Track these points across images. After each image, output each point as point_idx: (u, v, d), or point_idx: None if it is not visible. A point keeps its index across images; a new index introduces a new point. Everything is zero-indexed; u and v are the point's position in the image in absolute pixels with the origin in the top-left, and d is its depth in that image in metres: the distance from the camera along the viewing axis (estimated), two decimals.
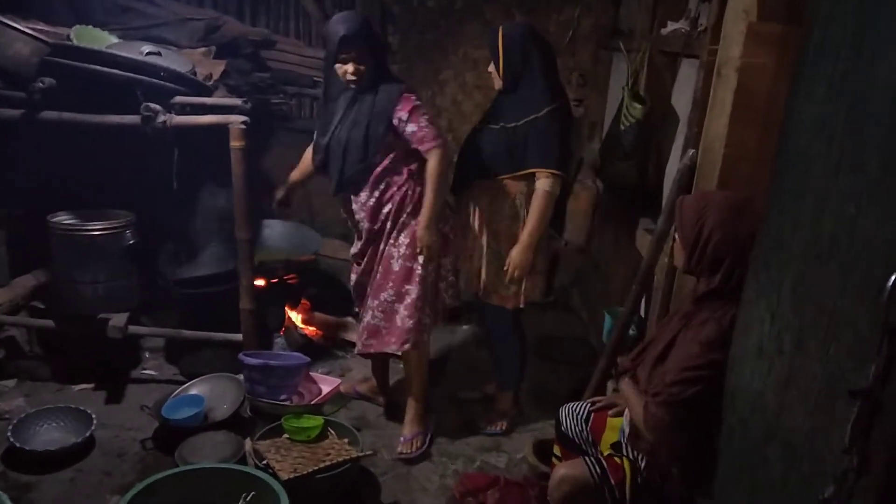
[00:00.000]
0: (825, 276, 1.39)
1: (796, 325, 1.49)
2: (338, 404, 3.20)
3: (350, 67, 2.66)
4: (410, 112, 2.66)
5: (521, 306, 2.98)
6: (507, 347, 3.11)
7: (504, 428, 3.14)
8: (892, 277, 1.12)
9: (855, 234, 1.31)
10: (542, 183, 2.76)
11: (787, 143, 1.63)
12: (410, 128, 2.66)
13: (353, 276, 3.06)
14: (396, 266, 2.81)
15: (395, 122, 2.67)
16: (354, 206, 2.88)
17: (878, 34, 1.31)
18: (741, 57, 2.33)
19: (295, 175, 3.23)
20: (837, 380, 1.31)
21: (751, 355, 1.69)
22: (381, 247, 2.85)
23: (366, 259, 2.94)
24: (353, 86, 2.72)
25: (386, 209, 2.79)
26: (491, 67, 2.88)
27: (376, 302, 2.86)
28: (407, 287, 2.81)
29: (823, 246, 1.40)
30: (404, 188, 2.77)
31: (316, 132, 2.95)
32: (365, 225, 2.85)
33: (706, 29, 2.67)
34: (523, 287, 2.92)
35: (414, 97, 2.70)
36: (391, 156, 2.74)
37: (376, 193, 2.78)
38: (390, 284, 2.82)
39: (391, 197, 2.78)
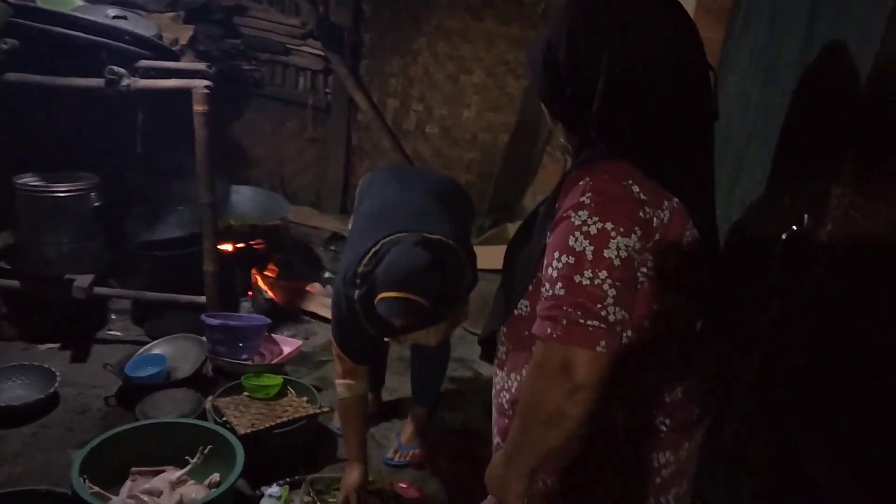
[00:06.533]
0: (733, 241, 1.48)
1: None
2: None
3: None
4: None
5: None
6: (434, 367, 2.87)
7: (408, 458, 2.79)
8: (783, 236, 1.20)
9: (760, 197, 1.40)
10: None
11: None
12: None
13: None
14: None
15: None
16: None
17: (787, 10, 1.38)
18: None
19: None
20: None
21: None
22: None
23: None
24: None
25: None
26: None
27: None
28: None
29: (735, 208, 1.49)
30: None
31: None
32: None
33: None
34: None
35: None
36: None
37: None
38: None
39: None
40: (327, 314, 3.86)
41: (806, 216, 1.17)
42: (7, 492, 2.17)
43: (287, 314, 3.85)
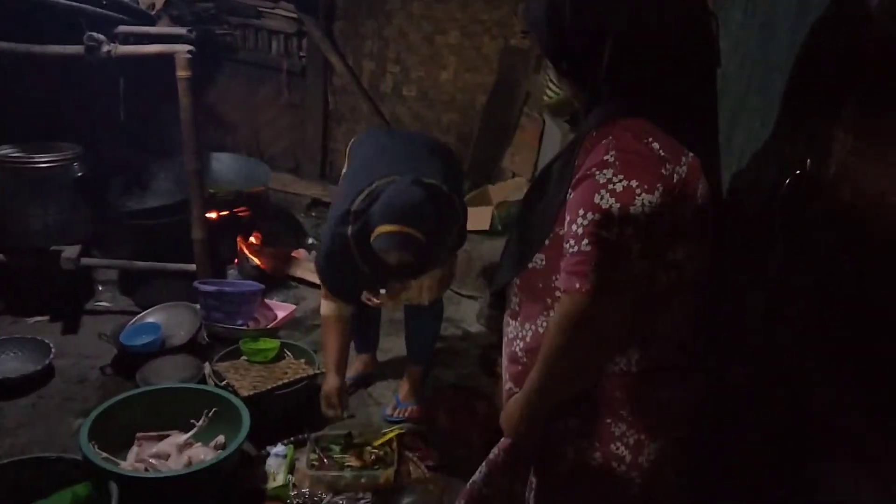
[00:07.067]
0: (736, 187, 1.55)
1: None
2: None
3: None
4: None
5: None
6: (428, 326, 2.90)
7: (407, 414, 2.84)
8: (787, 181, 1.27)
9: (759, 146, 1.46)
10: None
11: None
12: None
13: None
14: None
15: None
16: None
17: None
18: None
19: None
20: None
21: None
22: None
23: None
24: None
25: None
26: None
27: None
28: None
29: (733, 157, 1.55)
30: None
31: None
32: None
33: None
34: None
35: None
36: None
37: None
38: None
39: None
40: (315, 279, 3.89)
41: (808, 161, 1.23)
42: (18, 460, 2.18)
43: (275, 280, 3.86)
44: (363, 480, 2.38)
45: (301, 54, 5.01)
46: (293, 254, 4.05)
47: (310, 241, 4.39)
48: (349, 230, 2.21)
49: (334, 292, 2.46)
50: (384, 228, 2.09)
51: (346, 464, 2.44)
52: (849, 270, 1.21)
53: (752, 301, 1.40)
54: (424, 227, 2.11)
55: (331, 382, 2.52)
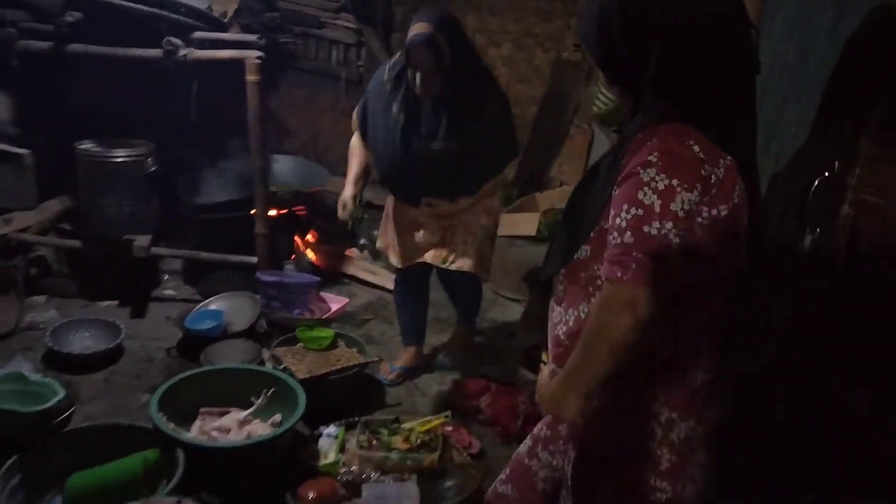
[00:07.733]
0: (772, 189, 1.65)
1: None
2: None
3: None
4: None
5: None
6: (473, 291, 3.17)
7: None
8: (816, 182, 1.37)
9: (796, 151, 1.56)
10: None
11: None
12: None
13: None
14: None
15: None
16: None
17: None
18: None
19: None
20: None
21: None
22: None
23: None
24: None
25: None
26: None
27: None
28: None
29: (770, 160, 1.65)
30: None
31: None
32: None
33: None
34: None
35: None
36: None
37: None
38: None
39: None
40: (366, 277, 4.07)
41: (836, 163, 1.34)
42: (94, 425, 2.38)
43: (327, 276, 4.04)
44: (409, 462, 2.51)
45: (359, 64, 5.21)
46: (346, 252, 4.22)
47: (361, 241, 4.57)
48: (389, 62, 2.72)
49: (362, 131, 2.89)
50: (416, 28, 2.49)
51: (394, 446, 2.57)
52: (865, 271, 1.31)
53: (772, 299, 1.50)
54: (450, 36, 2.49)
55: (347, 191, 2.93)
